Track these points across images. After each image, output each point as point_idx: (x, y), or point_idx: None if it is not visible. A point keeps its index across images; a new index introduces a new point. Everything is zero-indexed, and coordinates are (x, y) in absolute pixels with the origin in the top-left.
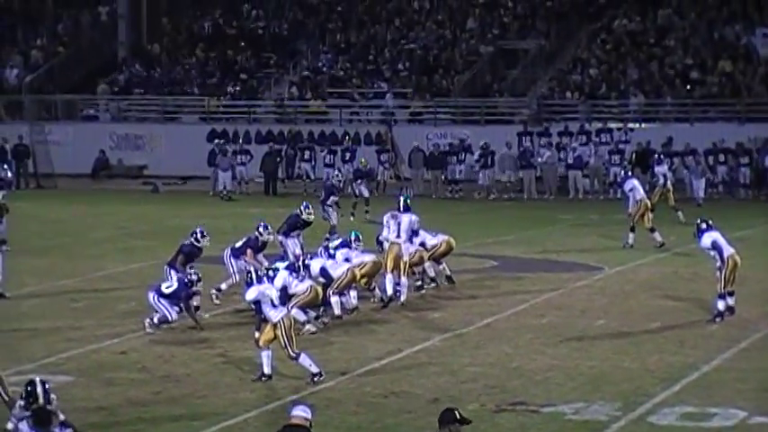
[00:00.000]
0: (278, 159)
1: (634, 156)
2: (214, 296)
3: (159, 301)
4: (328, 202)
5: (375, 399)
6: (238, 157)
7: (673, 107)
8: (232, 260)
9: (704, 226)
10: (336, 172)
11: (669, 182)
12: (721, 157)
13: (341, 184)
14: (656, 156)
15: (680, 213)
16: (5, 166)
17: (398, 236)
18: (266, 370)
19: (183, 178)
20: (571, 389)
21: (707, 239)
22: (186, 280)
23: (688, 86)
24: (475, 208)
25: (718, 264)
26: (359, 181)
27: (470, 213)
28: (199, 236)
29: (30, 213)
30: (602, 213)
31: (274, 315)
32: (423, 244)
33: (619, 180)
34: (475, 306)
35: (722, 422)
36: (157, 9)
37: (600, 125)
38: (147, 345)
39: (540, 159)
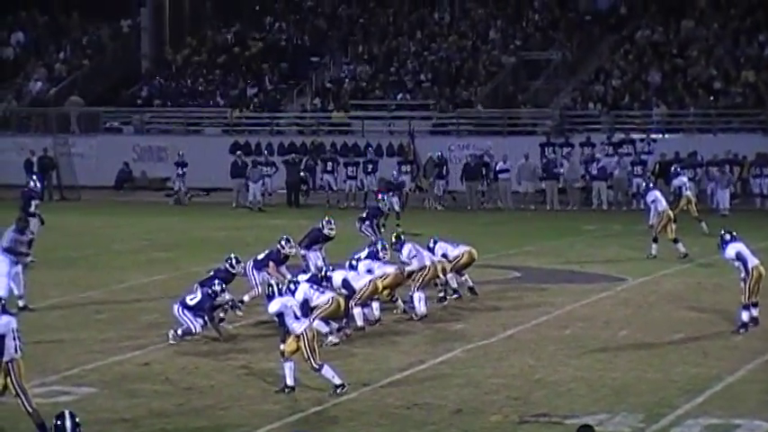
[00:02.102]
0: (300, 171)
1: (657, 166)
2: (237, 309)
3: (184, 314)
4: (366, 225)
5: (398, 410)
6: (263, 168)
7: (696, 117)
8: (254, 272)
9: (728, 237)
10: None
11: (690, 192)
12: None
13: (386, 209)
14: (673, 168)
15: (703, 224)
16: (35, 177)
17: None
18: (289, 381)
19: (206, 190)
20: (594, 400)
21: (731, 250)
22: (210, 291)
23: (711, 97)
24: (497, 219)
25: (743, 275)
26: (390, 193)
27: (493, 225)
28: (234, 262)
29: (54, 225)
30: (626, 224)
31: (297, 327)
32: (445, 255)
33: (641, 191)
34: (498, 317)
35: None
36: (180, 21)
37: (622, 136)
38: (170, 356)
39: (562, 170)
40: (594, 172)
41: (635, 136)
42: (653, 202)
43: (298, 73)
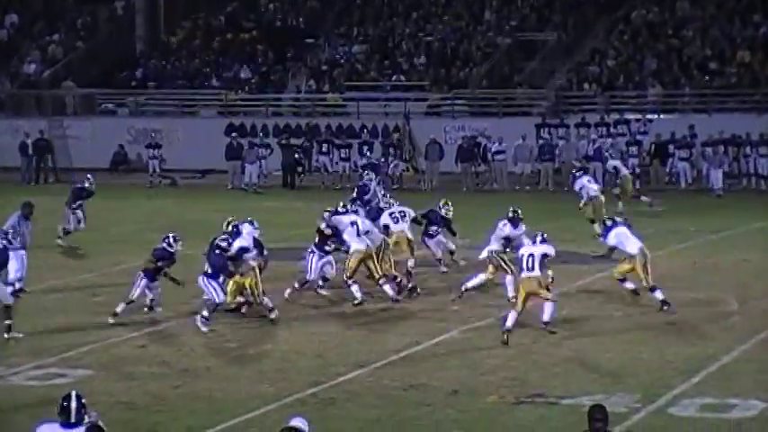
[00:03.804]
0: (296, 153)
1: (653, 147)
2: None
3: (209, 283)
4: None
5: (394, 391)
6: (259, 150)
7: (691, 98)
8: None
9: (609, 223)
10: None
11: (626, 172)
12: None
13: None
14: (608, 152)
15: (644, 198)
16: (89, 176)
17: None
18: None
19: (202, 172)
20: (590, 381)
21: (612, 239)
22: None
23: (706, 77)
24: (493, 201)
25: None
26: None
27: (488, 206)
28: (171, 240)
29: (49, 208)
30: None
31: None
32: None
33: (572, 178)
34: (494, 298)
35: (742, 413)
36: (174, 3)
37: (617, 116)
38: (166, 338)
39: (557, 151)
40: (590, 153)
41: (630, 116)
42: (581, 189)
43: (292, 54)
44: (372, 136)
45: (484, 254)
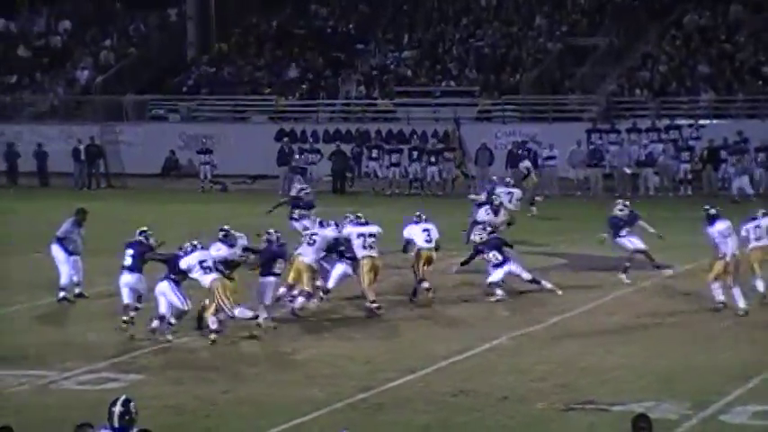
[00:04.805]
0: (346, 159)
1: (705, 152)
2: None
3: (175, 291)
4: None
5: (444, 397)
6: (308, 156)
7: (743, 103)
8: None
9: (713, 213)
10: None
11: (533, 174)
12: None
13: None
14: (519, 152)
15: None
16: (307, 186)
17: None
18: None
19: (252, 177)
20: (641, 387)
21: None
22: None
23: (759, 82)
24: (543, 206)
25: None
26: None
27: (540, 210)
28: (147, 236)
29: (101, 213)
30: (672, 211)
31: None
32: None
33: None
34: (543, 304)
35: None
36: (226, 9)
37: (668, 122)
38: (215, 344)
39: (608, 156)
40: (642, 158)
41: (682, 122)
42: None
43: (343, 60)
44: (422, 141)
45: None
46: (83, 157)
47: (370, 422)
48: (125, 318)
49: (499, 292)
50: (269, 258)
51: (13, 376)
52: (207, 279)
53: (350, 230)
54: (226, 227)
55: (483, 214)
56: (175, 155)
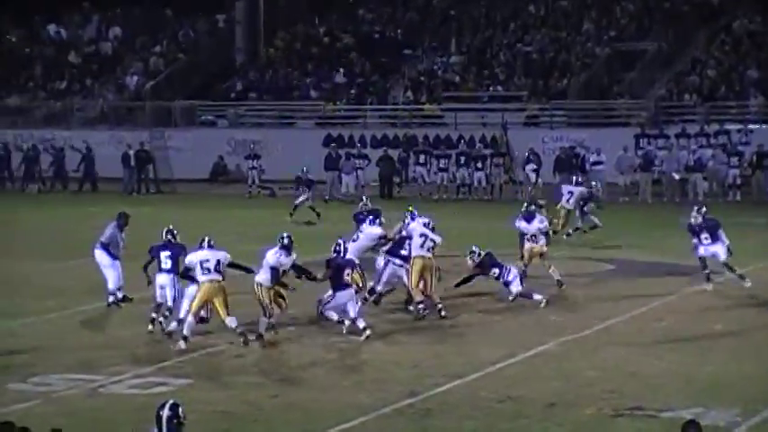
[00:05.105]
0: (394, 164)
1: (755, 157)
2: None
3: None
4: (585, 209)
5: (490, 403)
6: (356, 161)
7: None
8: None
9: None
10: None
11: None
12: None
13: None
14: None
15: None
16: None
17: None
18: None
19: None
20: (690, 394)
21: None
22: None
23: None
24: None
25: None
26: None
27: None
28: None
29: (150, 218)
30: (722, 216)
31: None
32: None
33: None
34: (592, 310)
35: None
36: (274, 14)
37: (717, 127)
38: (264, 348)
39: (657, 162)
40: (691, 163)
41: (731, 127)
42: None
43: (390, 65)
44: (470, 147)
45: None
46: (132, 162)
47: (417, 428)
48: (153, 315)
49: (537, 296)
50: (336, 270)
51: (62, 380)
52: (203, 279)
53: (415, 227)
54: (288, 234)
55: (517, 222)
56: (224, 160)
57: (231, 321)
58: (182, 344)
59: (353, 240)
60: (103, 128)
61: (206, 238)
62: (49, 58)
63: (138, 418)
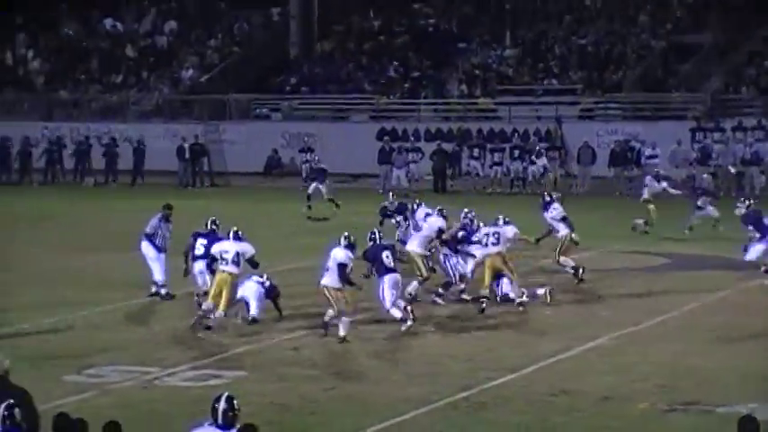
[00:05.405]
0: (447, 157)
1: None
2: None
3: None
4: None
5: (544, 397)
6: (409, 155)
7: None
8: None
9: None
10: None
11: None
12: None
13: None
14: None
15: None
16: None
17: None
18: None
19: (354, 176)
20: (745, 388)
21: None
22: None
23: None
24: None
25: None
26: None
27: (641, 210)
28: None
29: (205, 211)
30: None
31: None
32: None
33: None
34: (646, 304)
35: None
36: (328, 8)
37: None
38: (319, 341)
39: (714, 155)
40: (747, 156)
41: None
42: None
43: (444, 59)
44: (524, 140)
45: None
46: (187, 155)
47: (471, 421)
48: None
49: (540, 291)
50: (375, 255)
51: (118, 372)
52: (219, 268)
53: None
54: (348, 234)
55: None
56: (278, 153)
57: (220, 315)
58: (211, 328)
59: (410, 231)
60: (158, 121)
61: (233, 229)
62: (106, 52)
63: (194, 411)
